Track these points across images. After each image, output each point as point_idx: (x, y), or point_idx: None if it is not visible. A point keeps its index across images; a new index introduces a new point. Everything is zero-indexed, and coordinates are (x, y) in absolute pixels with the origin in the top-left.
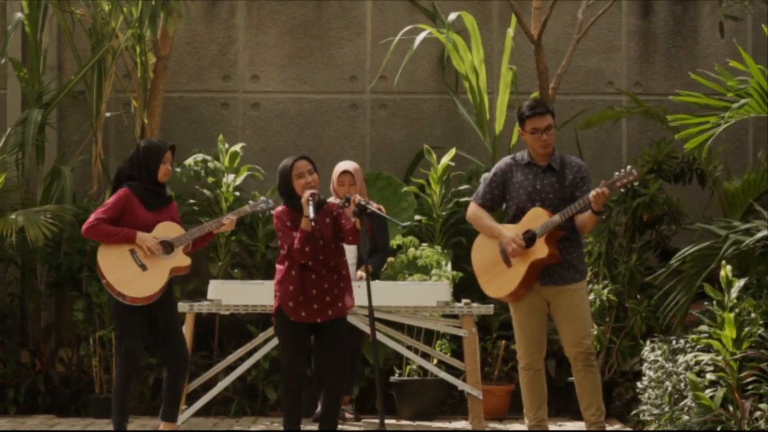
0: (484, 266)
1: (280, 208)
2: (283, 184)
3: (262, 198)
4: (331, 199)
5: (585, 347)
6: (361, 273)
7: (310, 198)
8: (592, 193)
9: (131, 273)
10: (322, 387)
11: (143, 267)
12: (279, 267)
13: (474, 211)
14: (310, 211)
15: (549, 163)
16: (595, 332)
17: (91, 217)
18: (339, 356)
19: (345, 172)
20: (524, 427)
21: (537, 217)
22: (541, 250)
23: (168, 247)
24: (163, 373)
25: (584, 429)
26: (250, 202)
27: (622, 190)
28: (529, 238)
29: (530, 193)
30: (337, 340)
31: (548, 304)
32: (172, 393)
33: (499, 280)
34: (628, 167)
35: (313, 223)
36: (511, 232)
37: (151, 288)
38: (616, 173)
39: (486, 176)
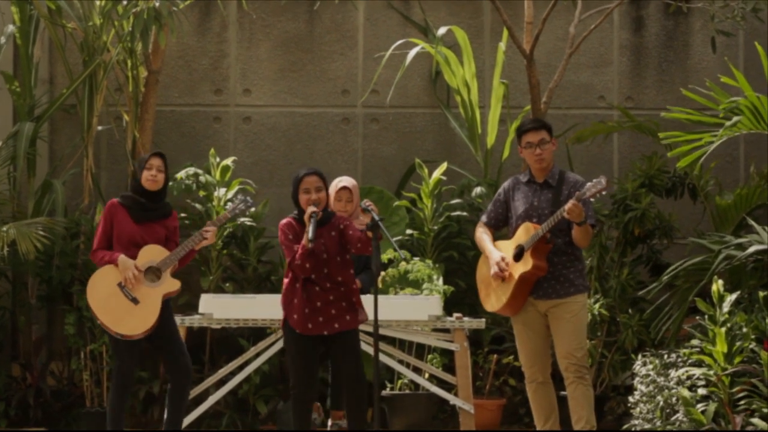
0: (483, 282)
1: (285, 220)
2: (293, 195)
3: (239, 197)
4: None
5: (576, 359)
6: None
7: (312, 216)
8: (566, 206)
9: (124, 310)
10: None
11: (135, 301)
12: (285, 280)
13: (477, 231)
14: (310, 231)
15: (546, 179)
16: (587, 346)
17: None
18: (350, 370)
19: (344, 188)
20: None
21: (526, 232)
22: (526, 263)
23: (156, 272)
24: (168, 386)
25: None
26: (229, 205)
27: (592, 200)
28: (518, 253)
29: (527, 210)
30: (345, 354)
31: (547, 318)
32: (175, 405)
33: (495, 295)
34: (600, 177)
35: (311, 244)
36: (497, 254)
37: (146, 322)
38: (588, 183)
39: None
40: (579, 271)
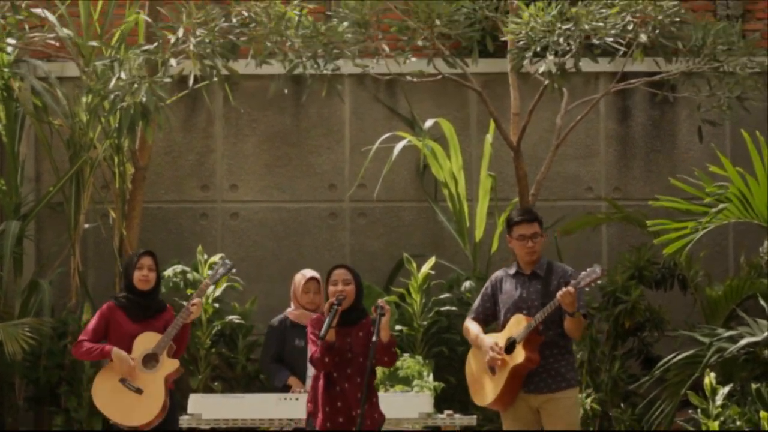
0: (473, 376)
1: (315, 315)
2: (325, 292)
3: (218, 261)
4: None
5: None
6: None
7: (332, 306)
8: (559, 293)
9: (130, 402)
10: None
11: (139, 391)
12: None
13: (466, 324)
14: (326, 323)
15: (534, 270)
16: None
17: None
18: None
19: (312, 279)
20: None
21: (518, 324)
22: (518, 355)
23: (153, 359)
24: None
25: None
26: (209, 272)
27: (587, 289)
28: (510, 345)
29: (516, 302)
30: None
31: (539, 414)
32: None
33: (486, 389)
34: (594, 266)
35: (325, 337)
36: (491, 340)
37: (154, 408)
38: (582, 272)
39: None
40: (570, 364)
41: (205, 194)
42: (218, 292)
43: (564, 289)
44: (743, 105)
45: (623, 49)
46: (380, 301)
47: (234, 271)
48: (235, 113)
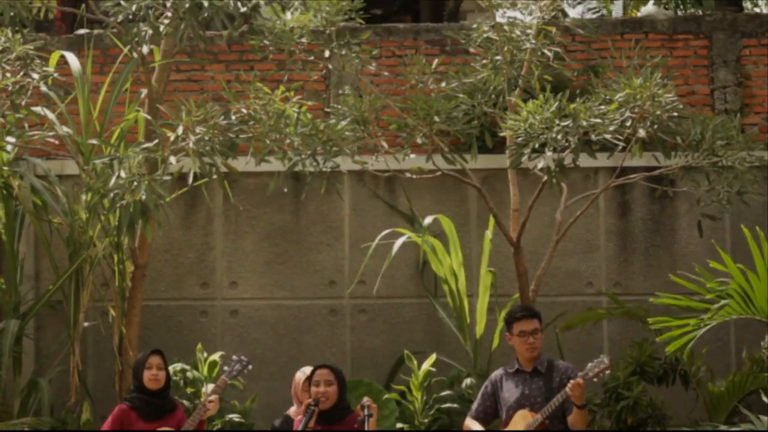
0: None
1: (300, 416)
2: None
3: (234, 358)
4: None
5: None
6: None
7: (309, 408)
8: (568, 385)
9: None
10: None
11: None
12: None
13: (466, 423)
14: (302, 422)
15: (535, 367)
16: None
17: None
18: None
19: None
20: None
21: (523, 419)
22: None
23: None
24: None
25: None
26: (225, 368)
27: (595, 380)
28: None
29: (518, 399)
30: None
31: None
32: None
33: None
34: (601, 356)
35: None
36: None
37: None
38: (589, 364)
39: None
40: None
41: (205, 291)
42: None
43: (573, 381)
44: (743, 199)
45: (622, 144)
46: (366, 400)
47: (250, 367)
48: (235, 210)
